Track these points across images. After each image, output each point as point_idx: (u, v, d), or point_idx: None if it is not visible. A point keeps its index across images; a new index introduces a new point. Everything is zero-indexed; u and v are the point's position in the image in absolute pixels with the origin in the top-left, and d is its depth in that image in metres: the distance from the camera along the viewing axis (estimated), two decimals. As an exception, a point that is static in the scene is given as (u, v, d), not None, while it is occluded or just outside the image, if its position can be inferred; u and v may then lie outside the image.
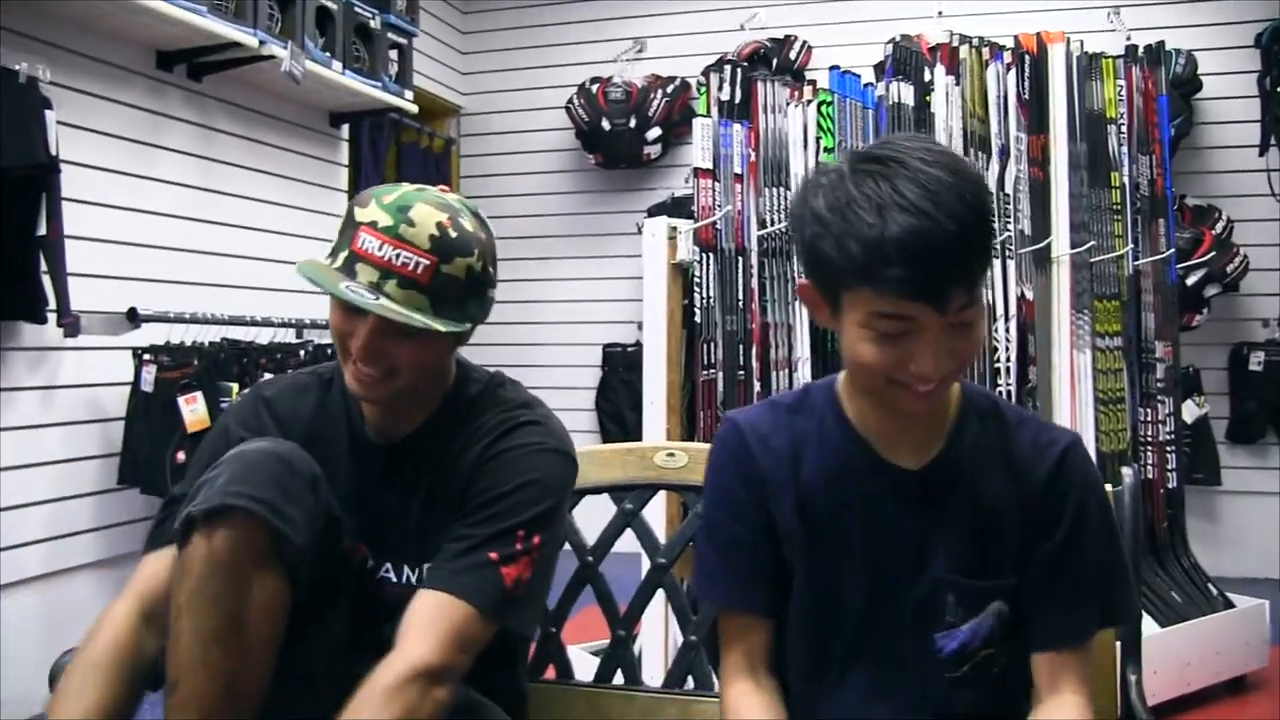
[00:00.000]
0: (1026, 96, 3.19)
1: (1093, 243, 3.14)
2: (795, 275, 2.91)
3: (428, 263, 1.41)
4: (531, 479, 1.50)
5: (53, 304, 3.17)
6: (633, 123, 5.60)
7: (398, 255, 1.40)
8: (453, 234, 1.44)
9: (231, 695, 1.33)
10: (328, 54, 4.11)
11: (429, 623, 1.41)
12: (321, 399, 1.61)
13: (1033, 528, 1.32)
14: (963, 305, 1.18)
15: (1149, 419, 3.32)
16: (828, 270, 1.22)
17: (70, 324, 3.21)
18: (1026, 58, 3.22)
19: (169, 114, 3.81)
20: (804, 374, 2.85)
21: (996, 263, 3.05)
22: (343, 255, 1.43)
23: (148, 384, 3.43)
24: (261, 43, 3.71)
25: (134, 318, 3.45)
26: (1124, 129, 3.34)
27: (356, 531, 1.55)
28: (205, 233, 3.95)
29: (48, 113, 3.07)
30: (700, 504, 1.73)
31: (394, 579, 1.55)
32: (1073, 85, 3.19)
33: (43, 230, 3.10)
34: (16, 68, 3.01)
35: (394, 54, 4.58)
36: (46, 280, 3.15)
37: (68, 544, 3.40)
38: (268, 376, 3.03)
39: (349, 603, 1.53)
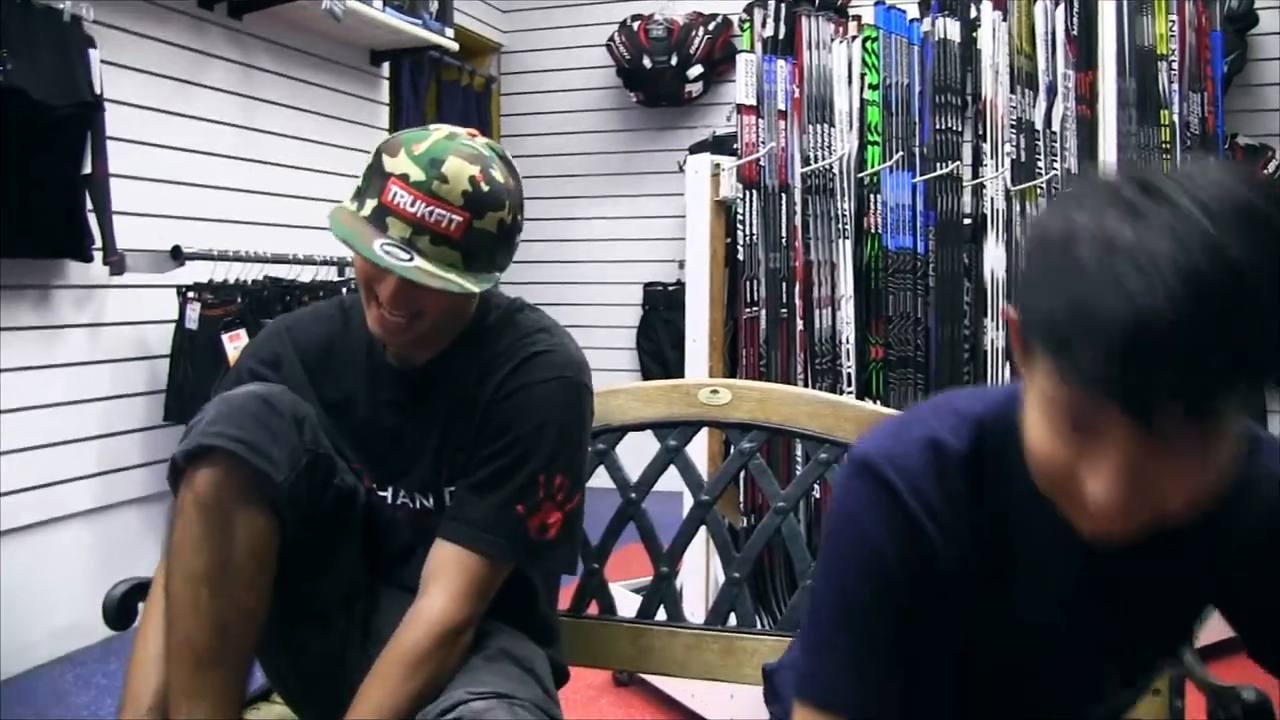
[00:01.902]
0: (1075, 32, 3.12)
1: (1143, 181, 3.09)
2: (840, 213, 2.88)
3: (461, 219, 1.40)
4: (546, 419, 1.49)
5: (99, 242, 3.20)
6: (674, 60, 5.54)
7: (431, 212, 1.39)
8: (485, 188, 1.42)
9: (224, 635, 1.36)
10: (368, -10, 4.09)
11: (452, 578, 1.44)
12: (343, 326, 1.61)
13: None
14: (1180, 430, 0.81)
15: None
16: (1023, 315, 0.91)
17: (116, 262, 3.24)
18: (1076, -9, 3.15)
19: (210, 52, 3.81)
20: (847, 312, 2.83)
21: (1043, 202, 3.01)
22: (371, 204, 1.42)
23: (192, 321, 3.46)
24: (302, -21, 3.69)
25: (178, 256, 3.47)
26: (1175, 65, 3.26)
27: (369, 456, 1.56)
28: (247, 171, 3.96)
29: (91, 51, 3.08)
30: (745, 441, 1.74)
31: (409, 503, 1.57)
32: (1123, 20, 3.12)
33: (88, 169, 3.13)
34: (61, 5, 3.01)
35: (435, -10, 4.55)
36: (92, 219, 3.17)
37: (117, 479, 3.46)
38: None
39: (360, 538, 1.55)
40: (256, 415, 1.40)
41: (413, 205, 1.39)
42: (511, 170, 1.49)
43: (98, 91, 3.09)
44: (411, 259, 1.38)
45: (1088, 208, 0.85)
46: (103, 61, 3.15)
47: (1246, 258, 0.78)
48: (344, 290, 3.93)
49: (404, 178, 1.39)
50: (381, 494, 1.58)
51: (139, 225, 3.40)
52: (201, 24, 3.76)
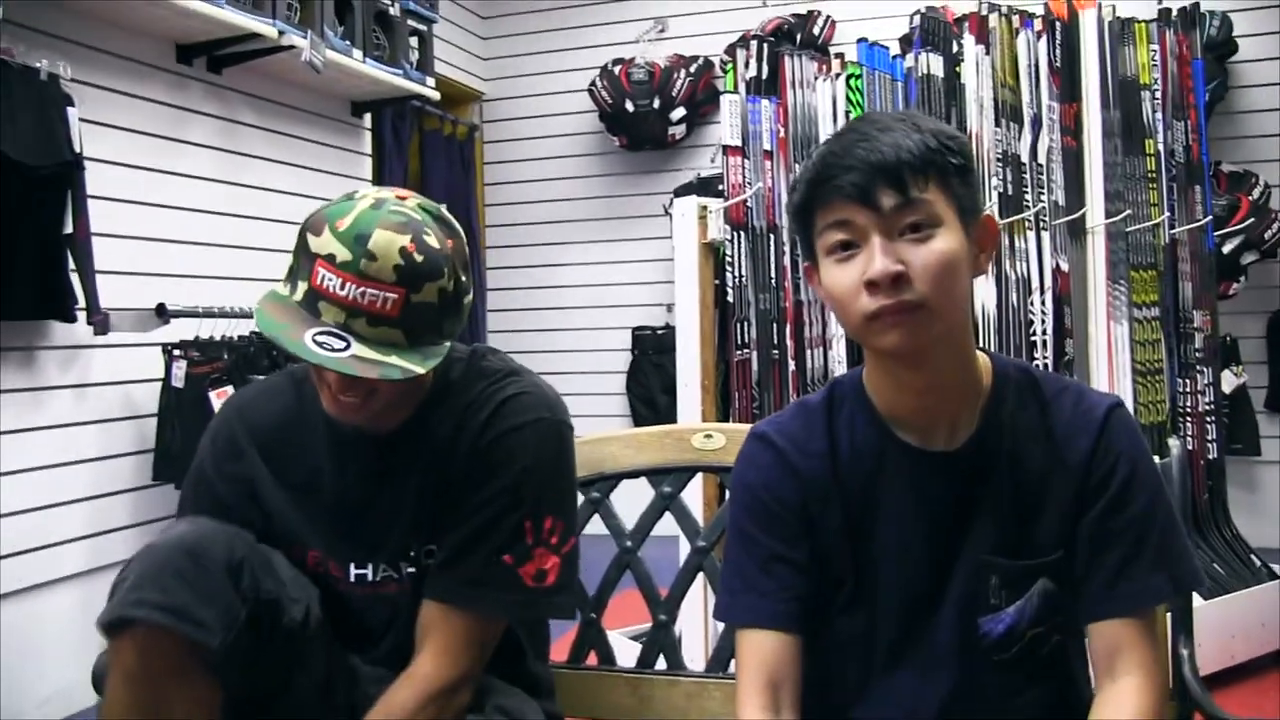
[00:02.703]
0: (1058, 64, 3.13)
1: (1128, 212, 3.09)
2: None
3: (396, 296, 1.32)
4: (527, 464, 1.46)
5: (82, 302, 3.17)
6: (656, 103, 5.56)
7: (363, 294, 1.31)
8: (418, 258, 1.34)
9: None
10: (348, 42, 4.10)
11: (441, 637, 1.42)
12: (296, 400, 1.55)
13: (1079, 497, 1.28)
14: (897, 206, 1.18)
15: (1188, 389, 3.27)
16: (798, 218, 1.26)
17: (100, 321, 3.21)
18: (1057, 24, 3.16)
19: (191, 108, 3.80)
20: (839, 351, 2.82)
21: (1030, 234, 3.00)
22: (302, 288, 1.35)
23: (178, 379, 3.43)
24: (281, 33, 3.70)
25: (163, 313, 3.45)
26: (1158, 95, 3.28)
27: (337, 536, 1.51)
28: (231, 226, 3.94)
29: (70, 110, 3.07)
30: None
31: (378, 579, 1.51)
32: (1105, 51, 3.13)
33: (69, 228, 3.10)
34: (38, 65, 3.00)
35: (414, 41, 4.56)
36: (75, 278, 3.15)
37: (107, 540, 3.41)
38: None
39: (322, 668, 1.48)
40: (183, 573, 1.32)
41: (343, 288, 1.31)
42: (449, 230, 1.42)
43: (77, 150, 3.08)
44: (347, 346, 1.31)
45: None
46: (82, 120, 3.13)
47: (913, 116, 1.25)
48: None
49: (330, 259, 1.32)
50: (349, 576, 1.51)
51: (123, 284, 3.38)
52: (181, 80, 3.75)
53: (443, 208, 1.46)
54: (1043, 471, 1.28)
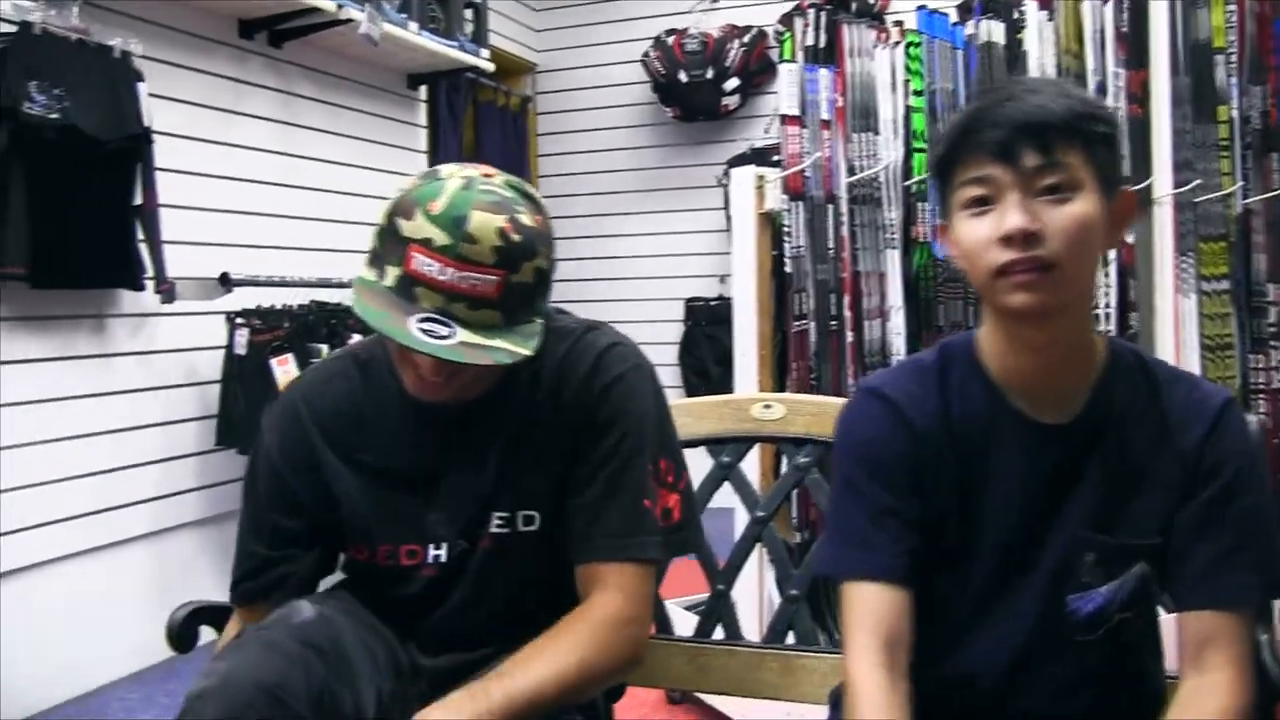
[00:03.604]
0: (1125, 29, 3.07)
1: (1198, 181, 3.03)
2: (887, 222, 2.86)
3: (497, 278, 1.29)
4: (642, 410, 1.46)
5: (150, 271, 3.23)
6: (710, 74, 5.54)
7: (464, 278, 1.28)
8: (517, 238, 1.30)
9: None
10: (404, 15, 4.12)
11: (619, 588, 1.41)
12: (362, 383, 1.51)
13: (1187, 483, 1.27)
14: (1038, 167, 1.18)
15: (1260, 366, 3.20)
16: (938, 173, 1.27)
17: (166, 290, 3.27)
18: (1125, -13, 3.10)
19: (252, 81, 3.85)
20: (897, 323, 2.80)
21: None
22: (394, 273, 1.30)
23: (241, 347, 3.49)
24: (340, 6, 3.74)
25: (226, 282, 3.51)
26: (1234, 58, 3.19)
27: (405, 517, 1.49)
28: (291, 197, 4.00)
29: (140, 85, 3.13)
30: (800, 456, 1.73)
31: (441, 556, 1.49)
32: (1176, 14, 3.05)
33: (138, 200, 3.17)
34: (111, 43, 3.07)
35: (469, 13, 4.58)
36: (143, 248, 3.22)
37: (173, 503, 3.50)
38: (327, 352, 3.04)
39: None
40: (263, 716, 1.28)
41: (442, 273, 1.28)
42: (538, 207, 1.38)
43: (146, 124, 3.14)
44: (452, 332, 1.28)
45: None
46: (151, 94, 3.19)
47: (1064, 82, 1.39)
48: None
49: (426, 243, 1.28)
50: (426, 559, 1.50)
51: (188, 253, 3.44)
52: (243, 54, 3.80)
53: (526, 184, 1.41)
54: (1150, 453, 1.28)
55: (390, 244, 1.31)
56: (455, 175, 1.34)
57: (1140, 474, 1.28)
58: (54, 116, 2.85)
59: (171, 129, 3.43)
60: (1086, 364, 1.30)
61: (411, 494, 1.49)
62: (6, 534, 2.99)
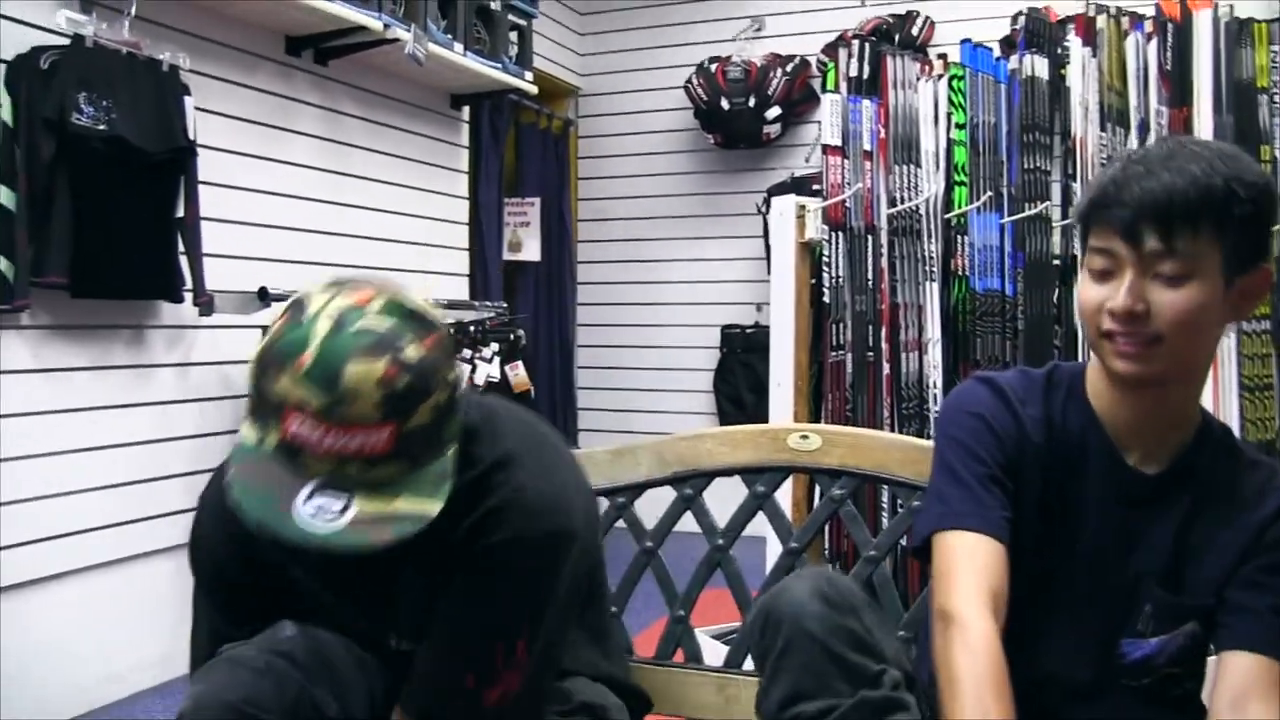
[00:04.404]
0: (1169, 67, 3.06)
1: (1239, 221, 3.00)
2: (926, 254, 2.85)
3: (388, 433, 1.15)
4: (506, 587, 1.33)
5: (189, 283, 3.25)
6: (752, 102, 5.53)
7: (348, 441, 1.15)
8: (402, 383, 1.16)
9: None
10: (449, 36, 4.15)
11: None
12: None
13: (1244, 552, 1.30)
14: (1158, 253, 1.20)
15: (1300, 407, 3.16)
16: (1079, 225, 1.31)
17: (205, 303, 3.29)
18: (1169, 25, 3.09)
19: (297, 98, 3.88)
20: (934, 356, 2.78)
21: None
22: (272, 436, 1.17)
23: (278, 362, 3.50)
24: (386, 26, 3.76)
25: (264, 297, 3.52)
26: (1277, 98, 3.17)
27: (368, 613, 1.45)
28: (332, 214, 4.02)
29: (186, 99, 3.16)
30: (835, 488, 1.72)
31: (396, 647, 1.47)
32: (1220, 54, 3.04)
33: (180, 212, 3.20)
34: (161, 57, 3.10)
35: (514, 35, 4.60)
36: (183, 260, 3.24)
37: (202, 517, 3.50)
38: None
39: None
40: None
41: (324, 439, 1.14)
42: (426, 325, 1.22)
43: (191, 137, 3.16)
44: (347, 503, 1.16)
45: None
46: (196, 108, 3.22)
47: (1219, 156, 1.21)
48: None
49: (300, 406, 1.14)
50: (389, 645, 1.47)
51: (227, 267, 3.46)
52: (289, 70, 3.84)
53: (407, 297, 1.25)
54: (1221, 523, 1.31)
55: (263, 403, 1.18)
56: (323, 314, 1.17)
57: (1209, 540, 1.31)
58: (101, 128, 2.88)
59: (215, 143, 3.46)
60: (1184, 428, 1.34)
61: (360, 597, 1.44)
62: (37, 542, 3.00)
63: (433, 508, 1.20)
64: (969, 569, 1.26)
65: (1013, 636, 1.30)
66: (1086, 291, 1.27)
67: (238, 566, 1.42)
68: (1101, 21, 3.03)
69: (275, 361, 1.16)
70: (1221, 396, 2.86)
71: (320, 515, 1.15)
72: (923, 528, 1.34)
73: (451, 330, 4.07)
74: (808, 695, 1.24)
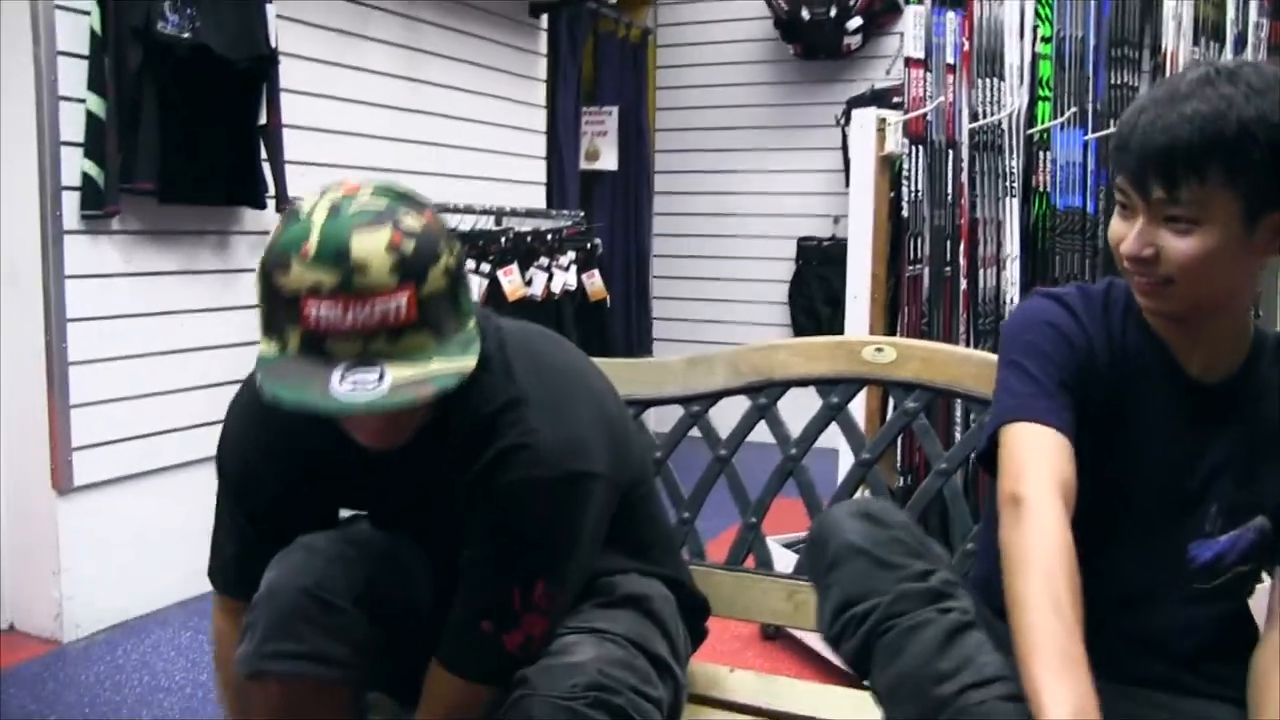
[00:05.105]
0: (1271, -24, 2.95)
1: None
2: (1007, 170, 2.81)
3: (407, 297, 1.15)
4: (529, 525, 1.33)
5: (272, 190, 3.31)
6: (833, 12, 5.43)
7: (373, 310, 1.14)
8: (408, 247, 1.16)
9: None
10: (530, -58, 4.12)
11: (438, 697, 1.39)
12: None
13: None
14: (1164, 200, 1.19)
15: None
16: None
17: (288, 210, 3.34)
18: (1272, -68, 2.97)
19: (376, 5, 3.89)
20: (1012, 272, 2.75)
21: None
22: (293, 336, 1.16)
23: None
24: (467, -68, 3.74)
25: (346, 205, 3.56)
26: (1386, 10, 3.05)
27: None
28: (410, 121, 4.05)
29: (268, 6, 3.18)
30: (909, 401, 1.73)
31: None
32: (1324, -39, 2.93)
33: (263, 120, 3.24)
34: (242, -37, 3.12)
35: (594, -58, 4.56)
36: (266, 168, 3.29)
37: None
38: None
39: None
40: (312, 617, 1.32)
41: (346, 316, 1.13)
42: (419, 204, 1.24)
43: (273, 45, 3.20)
44: (381, 375, 1.14)
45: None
46: (277, 16, 3.25)
47: (1236, 97, 1.15)
48: (502, 240, 4.00)
49: (316, 290, 1.13)
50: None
51: (309, 174, 3.51)
52: (369, -23, 3.85)
53: (395, 183, 1.26)
54: None
55: (277, 306, 1.17)
56: (318, 207, 1.19)
57: (1273, 441, 1.31)
58: (186, 36, 2.92)
59: (297, 51, 3.49)
60: (1239, 341, 1.33)
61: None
62: (126, 440, 3.12)
63: (468, 363, 1.20)
64: (1041, 457, 1.24)
65: (1084, 555, 1.32)
66: (1114, 224, 1.27)
67: (269, 477, 1.44)
68: (1199, -73, 2.92)
69: (280, 260, 1.16)
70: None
71: (359, 389, 1.13)
72: (992, 423, 1.32)
73: (527, 237, 4.09)
74: (857, 599, 1.26)
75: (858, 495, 1.80)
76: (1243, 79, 1.17)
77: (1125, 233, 1.24)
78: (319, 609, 1.32)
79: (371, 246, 1.14)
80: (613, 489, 1.39)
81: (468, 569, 1.36)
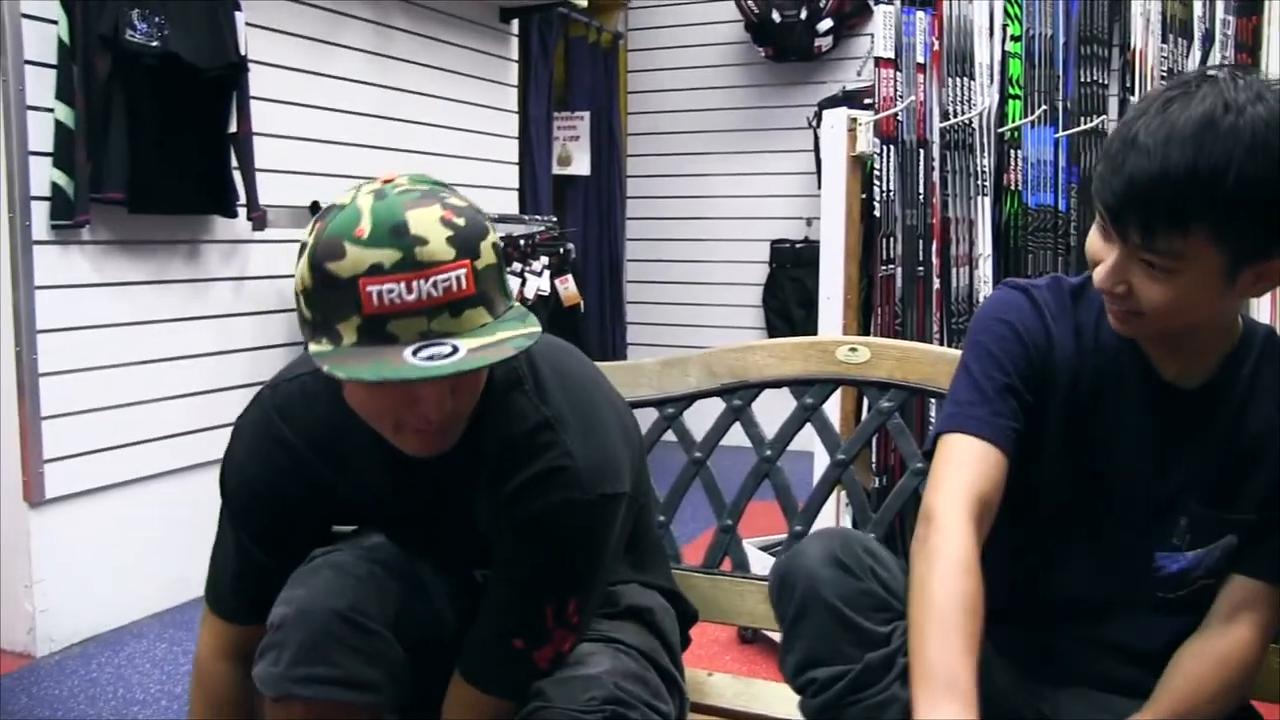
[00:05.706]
0: (1235, -27, 2.97)
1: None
2: (979, 169, 2.82)
3: (465, 269, 1.13)
4: (562, 546, 1.32)
5: (243, 198, 3.29)
6: (803, 14, 5.45)
7: (434, 285, 1.12)
8: (461, 221, 1.15)
9: None
10: (499, -53, 4.12)
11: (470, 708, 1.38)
12: (340, 409, 1.31)
13: None
14: (1140, 246, 1.13)
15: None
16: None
17: (259, 218, 3.33)
18: (1238, -69, 2.99)
19: (346, 12, 3.88)
20: (985, 271, 2.77)
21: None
22: (351, 327, 1.12)
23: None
24: (436, -63, 3.73)
25: (316, 211, 3.55)
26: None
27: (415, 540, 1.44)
28: (382, 128, 4.04)
29: (237, 14, 3.17)
30: (883, 400, 1.73)
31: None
32: (1288, -41, 2.96)
33: (233, 128, 3.22)
34: (211, -29, 3.10)
35: (564, -54, 4.55)
36: (237, 176, 3.27)
37: (260, 428, 3.57)
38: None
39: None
40: (345, 640, 1.29)
41: (409, 291, 1.11)
42: (454, 190, 1.24)
43: (243, 53, 3.18)
44: (454, 350, 1.12)
45: (1137, 112, 1.15)
46: (248, 24, 3.23)
47: (1222, 136, 1.07)
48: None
49: (375, 270, 1.11)
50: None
51: (280, 182, 3.49)
52: (339, -16, 3.83)
53: (428, 175, 1.26)
54: (1265, 431, 1.27)
55: (330, 298, 1.13)
56: (360, 194, 1.17)
57: (1255, 450, 1.28)
58: (155, 44, 2.90)
59: (268, 58, 3.48)
60: (1222, 343, 1.29)
61: (403, 536, 1.44)
62: (95, 452, 3.09)
63: (535, 329, 1.18)
64: (961, 472, 1.25)
65: (1034, 555, 1.33)
66: (1092, 237, 1.22)
67: (274, 496, 1.42)
68: (1165, -74, 2.94)
69: (331, 248, 1.13)
70: None
71: (435, 361, 1.10)
72: (932, 434, 1.33)
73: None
74: (821, 661, 1.26)
75: (833, 525, 1.79)
76: (1247, 125, 1.07)
77: (1102, 255, 1.19)
78: (353, 632, 1.30)
79: (427, 221, 1.13)
80: (633, 504, 1.39)
81: (498, 587, 1.36)
